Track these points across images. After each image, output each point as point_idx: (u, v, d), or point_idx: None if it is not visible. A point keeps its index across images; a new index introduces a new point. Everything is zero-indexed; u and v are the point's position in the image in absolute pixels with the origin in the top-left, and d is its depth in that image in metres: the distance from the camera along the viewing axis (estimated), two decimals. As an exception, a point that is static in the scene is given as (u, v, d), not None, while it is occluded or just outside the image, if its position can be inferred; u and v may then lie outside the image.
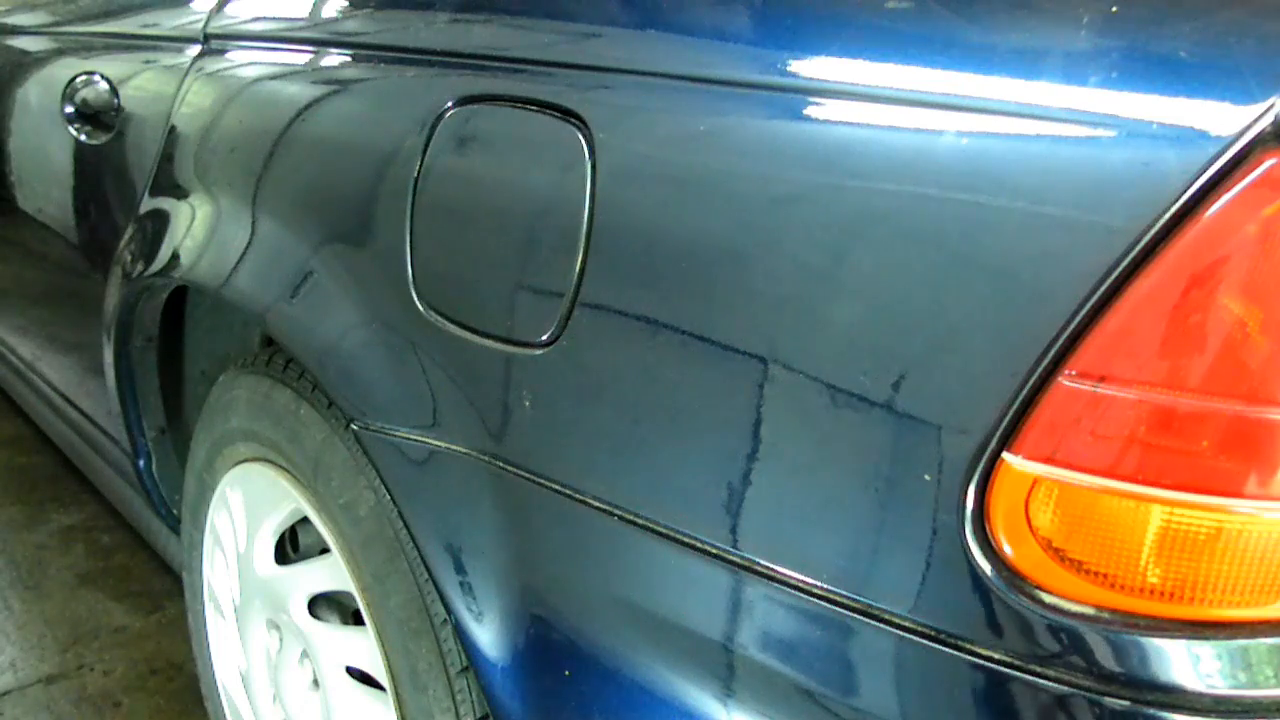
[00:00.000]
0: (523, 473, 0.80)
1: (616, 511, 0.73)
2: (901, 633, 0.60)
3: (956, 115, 0.57)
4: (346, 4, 1.10)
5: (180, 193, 1.24)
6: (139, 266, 1.30)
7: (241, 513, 1.22)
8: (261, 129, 1.09)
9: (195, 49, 1.27)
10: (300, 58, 1.10)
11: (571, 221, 0.74)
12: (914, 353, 0.58)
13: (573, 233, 0.74)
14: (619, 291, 0.72)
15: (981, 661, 0.57)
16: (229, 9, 1.25)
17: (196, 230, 1.18)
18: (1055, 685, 0.55)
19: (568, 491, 0.76)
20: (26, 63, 1.73)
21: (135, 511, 1.81)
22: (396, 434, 0.90)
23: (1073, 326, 0.52)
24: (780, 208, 0.64)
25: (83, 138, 1.46)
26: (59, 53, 1.64)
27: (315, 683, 1.14)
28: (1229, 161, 0.49)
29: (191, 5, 1.34)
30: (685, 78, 0.71)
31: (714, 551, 0.68)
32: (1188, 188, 0.49)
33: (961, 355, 0.56)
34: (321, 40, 1.08)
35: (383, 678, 0.98)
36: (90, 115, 1.44)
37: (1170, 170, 0.50)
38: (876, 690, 0.63)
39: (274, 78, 1.14)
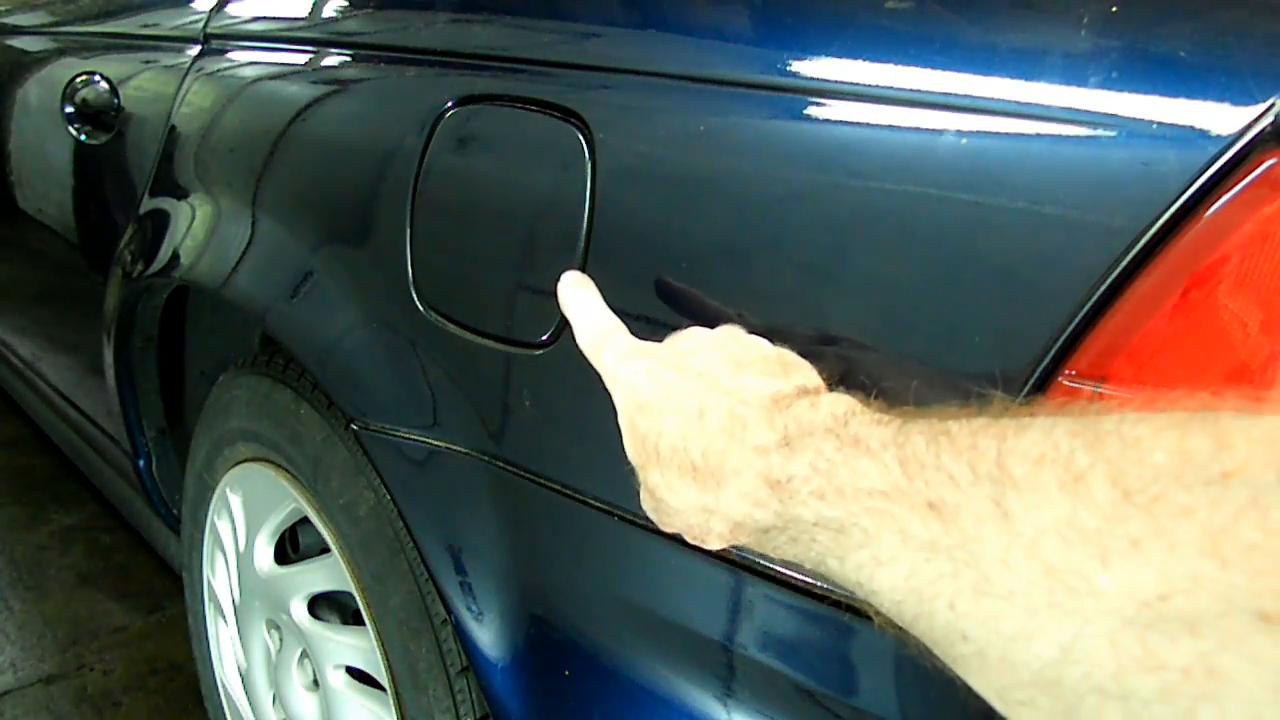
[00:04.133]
0: (523, 473, 0.79)
1: (616, 511, 0.73)
2: (901, 633, 0.60)
3: (956, 115, 0.57)
4: (346, 4, 1.10)
5: (180, 193, 1.24)
6: (139, 266, 1.30)
7: (241, 513, 1.22)
8: (261, 129, 1.09)
9: (195, 49, 1.27)
10: (300, 58, 1.10)
11: (571, 221, 0.74)
12: (913, 353, 0.58)
13: (573, 233, 0.74)
14: (619, 291, 0.72)
15: (981, 661, 0.57)
16: (229, 9, 1.25)
17: (196, 230, 1.18)
18: (1055, 685, 0.55)
19: (568, 491, 0.76)
20: (26, 63, 1.73)
21: (135, 511, 1.81)
22: (396, 434, 0.90)
23: (1073, 326, 0.52)
24: (780, 207, 0.64)
25: (83, 138, 1.46)
26: (59, 53, 1.64)
27: (315, 683, 1.14)
28: (1229, 161, 0.49)
29: (191, 5, 1.34)
30: (685, 78, 0.71)
31: (714, 551, 0.68)
32: (1188, 188, 0.49)
33: (961, 355, 0.56)
34: (321, 40, 1.08)
35: (383, 678, 0.98)
36: (90, 115, 1.44)
37: (1170, 170, 0.50)
38: (876, 690, 0.63)
39: (274, 78, 1.14)
